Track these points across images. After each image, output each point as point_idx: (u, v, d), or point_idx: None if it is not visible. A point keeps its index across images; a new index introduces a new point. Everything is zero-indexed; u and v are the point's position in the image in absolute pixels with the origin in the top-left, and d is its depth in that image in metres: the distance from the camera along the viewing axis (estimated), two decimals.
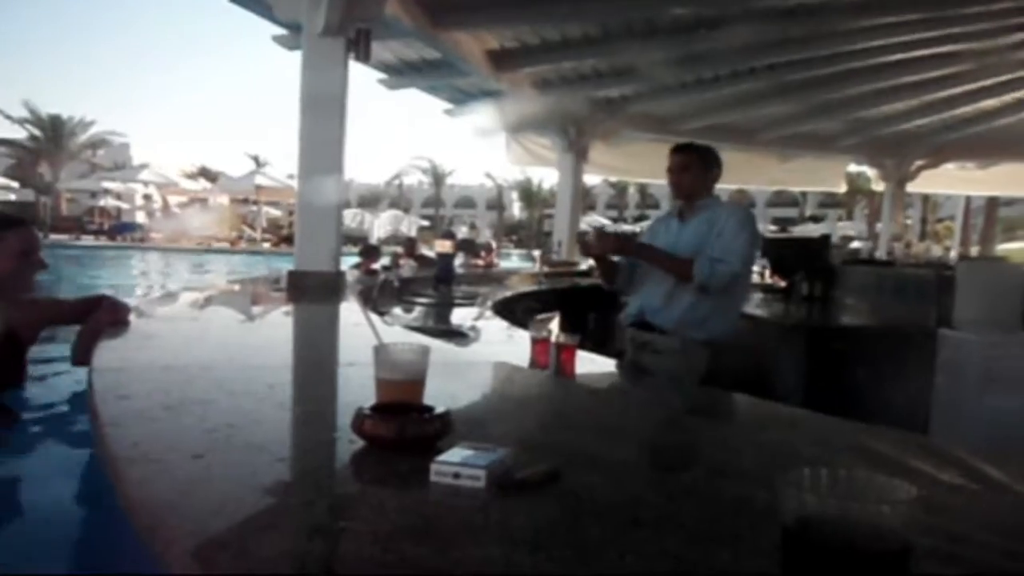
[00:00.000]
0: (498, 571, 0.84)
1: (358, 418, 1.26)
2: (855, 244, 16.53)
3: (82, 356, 2.16)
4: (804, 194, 42.80)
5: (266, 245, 26.48)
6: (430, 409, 1.31)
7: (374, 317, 2.35)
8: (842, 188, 15.67)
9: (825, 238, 6.60)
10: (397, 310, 4.38)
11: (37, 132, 40.69)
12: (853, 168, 16.02)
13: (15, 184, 32.69)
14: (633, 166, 11.50)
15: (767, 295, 5.88)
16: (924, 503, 0.72)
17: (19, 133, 40.75)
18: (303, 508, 1.03)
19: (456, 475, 1.08)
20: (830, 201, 41.46)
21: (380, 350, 1.41)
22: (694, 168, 3.12)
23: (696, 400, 2.30)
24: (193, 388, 1.75)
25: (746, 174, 12.79)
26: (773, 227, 28.33)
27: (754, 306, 5.21)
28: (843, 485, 0.71)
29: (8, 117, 39.84)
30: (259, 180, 28.29)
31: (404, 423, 1.25)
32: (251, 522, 0.97)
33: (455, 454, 1.13)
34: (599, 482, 1.18)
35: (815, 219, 38.10)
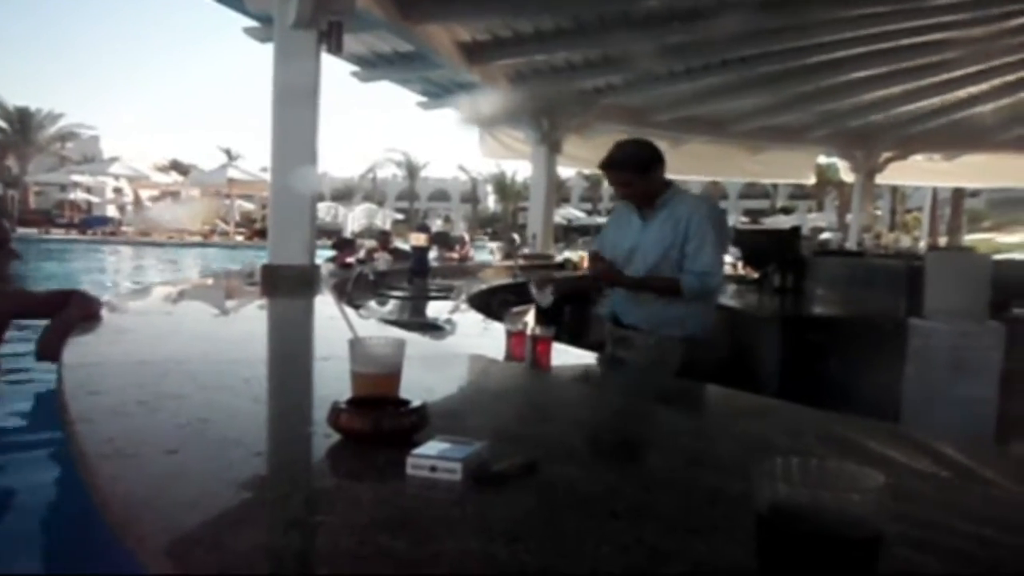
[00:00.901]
0: (476, 563, 0.84)
1: (334, 412, 1.25)
2: (825, 235, 16.71)
3: (49, 351, 2.13)
4: (775, 186, 43.23)
5: (239, 238, 26.24)
6: (406, 402, 1.31)
7: (349, 311, 2.34)
8: (812, 180, 15.84)
9: (795, 229, 6.67)
10: (372, 303, 4.36)
11: (4, 124, 39.98)
12: (823, 160, 16.20)
13: None
14: None
15: (740, 286, 5.93)
16: (894, 490, 0.73)
17: None
18: (279, 502, 1.02)
19: (433, 468, 1.08)
20: (800, 193, 41.88)
21: (355, 344, 1.41)
22: (634, 181, 2.96)
23: (671, 391, 2.32)
24: (167, 383, 1.74)
25: (718, 166, 12.92)
26: (744, 219, 28.58)
27: (728, 297, 5.26)
28: (815, 474, 0.72)
29: None
30: (231, 173, 28.02)
31: (380, 416, 1.25)
32: (226, 517, 0.96)
33: (431, 447, 1.13)
34: (575, 474, 1.18)
35: (786, 211, 38.49)
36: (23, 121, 40.19)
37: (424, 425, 1.26)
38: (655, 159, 2.98)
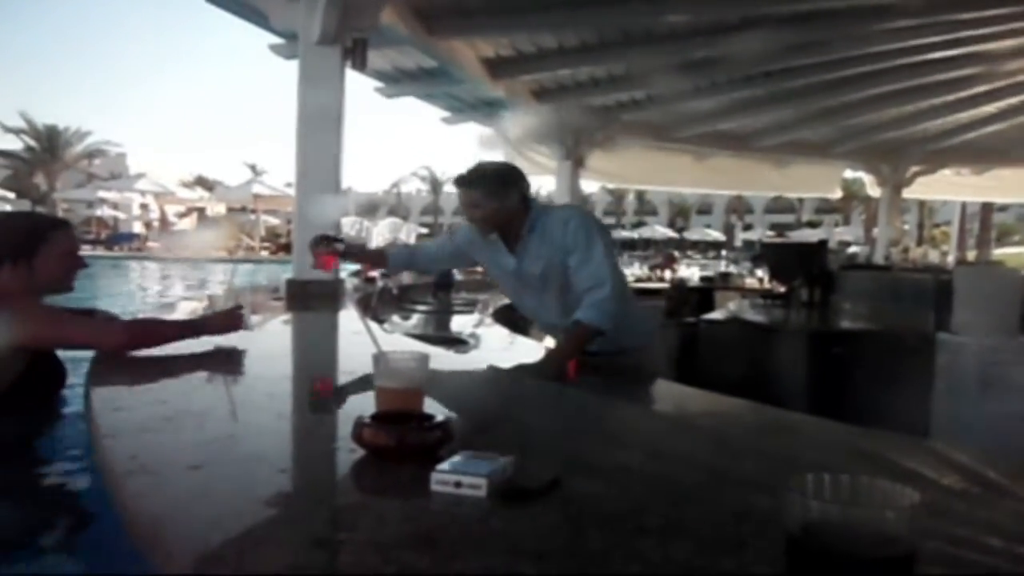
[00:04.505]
0: None
1: (358, 427, 1.25)
2: (852, 249, 16.54)
3: None
4: (801, 200, 42.92)
5: (264, 253, 26.47)
6: (430, 417, 1.30)
7: (373, 325, 2.34)
8: (837, 194, 15.70)
9: (823, 243, 6.60)
10: (396, 318, 4.38)
11: (33, 142, 40.76)
12: (849, 174, 16.06)
13: (11, 195, 32.62)
14: (631, 172, 11.54)
15: (766, 301, 5.88)
16: (927, 507, 0.71)
17: (15, 144, 40.88)
18: (303, 519, 1.02)
19: (457, 484, 1.08)
20: (826, 207, 41.57)
21: (379, 358, 1.41)
22: (482, 204, 2.59)
23: (698, 405, 2.30)
24: (192, 399, 1.75)
25: (742, 180, 12.86)
26: (770, 232, 28.41)
27: (753, 312, 5.21)
28: (847, 490, 0.70)
29: (4, 127, 39.96)
30: (256, 189, 28.26)
31: (404, 432, 1.24)
32: (250, 534, 0.96)
33: (456, 463, 1.13)
34: (600, 489, 1.17)
35: (812, 224, 38.20)
36: (51, 139, 40.94)
37: (449, 440, 1.25)
38: (510, 182, 2.62)
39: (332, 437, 1.37)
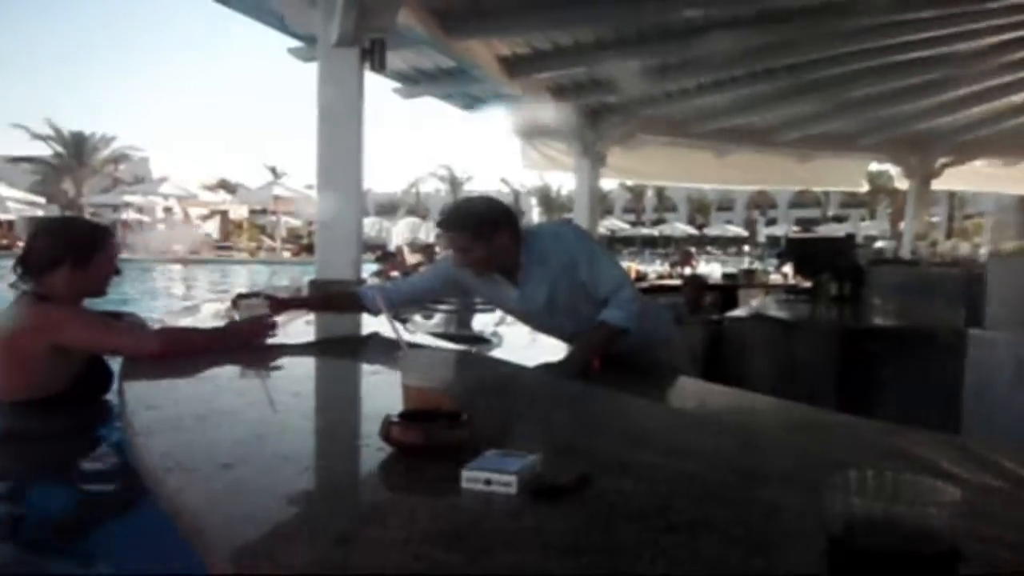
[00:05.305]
0: None
1: (386, 425, 1.25)
2: (879, 244, 16.33)
3: None
4: (826, 194, 42.50)
5: (286, 254, 26.69)
6: (457, 415, 1.30)
7: (398, 324, 2.34)
8: (864, 187, 15.46)
9: (850, 237, 6.51)
10: (418, 317, 4.38)
11: (60, 149, 41.38)
12: (875, 167, 15.82)
13: (41, 200, 33.14)
14: (651, 169, 11.46)
15: (791, 296, 5.82)
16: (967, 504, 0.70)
17: (43, 150, 41.52)
18: (333, 516, 1.02)
19: (487, 481, 1.08)
20: (852, 201, 41.10)
21: (406, 357, 1.41)
22: (473, 248, 2.47)
23: (723, 402, 2.28)
24: (220, 399, 1.76)
25: (765, 175, 12.72)
26: (795, 228, 28.15)
27: (778, 308, 5.16)
28: (889, 488, 0.69)
29: (32, 134, 40.60)
30: (277, 191, 28.53)
31: (432, 429, 1.24)
32: (282, 530, 0.97)
33: (485, 460, 1.13)
34: (629, 487, 1.16)
35: (838, 219, 37.82)
36: (78, 145, 41.56)
37: (476, 438, 1.25)
38: (501, 221, 2.49)
39: (359, 436, 1.37)
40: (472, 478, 1.09)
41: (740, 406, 2.20)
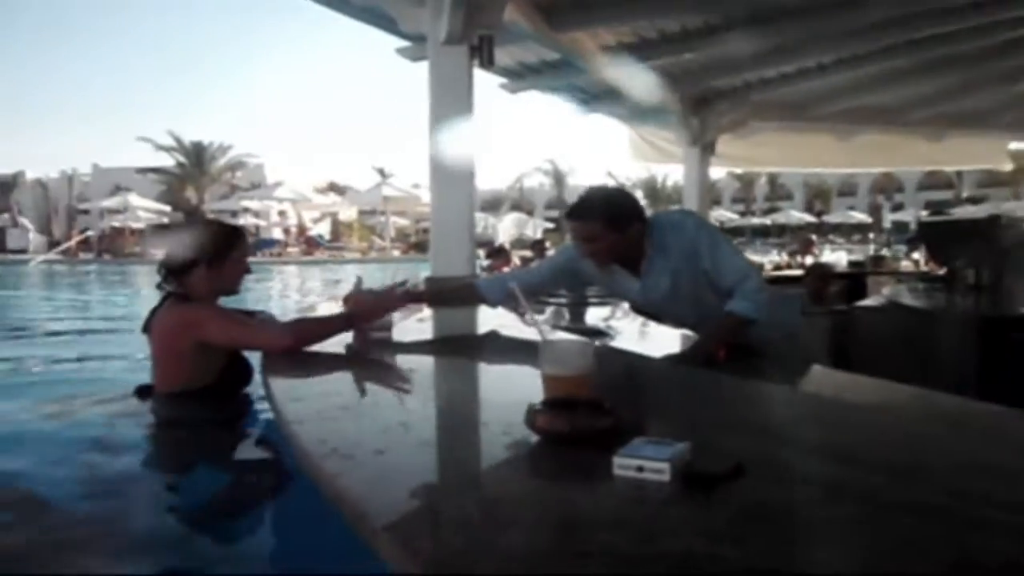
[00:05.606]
0: (703, 563, 0.82)
1: (531, 413, 1.26)
2: None
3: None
4: (959, 175, 39.97)
5: (396, 253, 27.41)
6: (599, 403, 1.30)
7: (529, 317, 2.35)
8: (1007, 166, 14.34)
9: (994, 219, 5.94)
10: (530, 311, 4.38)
11: (182, 158, 43.93)
12: (1015, 145, 14.61)
13: (167, 208, 35.24)
14: (765, 155, 11.06)
15: (924, 284, 5.48)
16: None
17: (167, 160, 44.21)
18: (491, 500, 1.04)
19: (639, 468, 1.07)
20: (991, 180, 38.48)
21: (546, 346, 1.42)
22: (604, 237, 2.44)
23: (869, 392, 2.18)
24: (358, 392, 1.82)
25: (892, 157, 11.95)
26: (924, 212, 26.46)
27: (913, 297, 4.88)
28: None
29: (156, 146, 43.28)
30: (385, 191, 29.24)
31: (578, 417, 1.24)
32: (444, 514, 0.99)
33: (635, 447, 1.12)
34: (783, 476, 1.13)
35: (973, 200, 35.46)
36: (198, 154, 44.03)
37: (620, 426, 1.24)
38: (632, 213, 2.48)
39: (501, 424, 1.38)
40: (624, 465, 1.08)
41: (891, 398, 2.08)
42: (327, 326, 2.49)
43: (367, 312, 2.54)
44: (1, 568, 1.44)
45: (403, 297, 2.85)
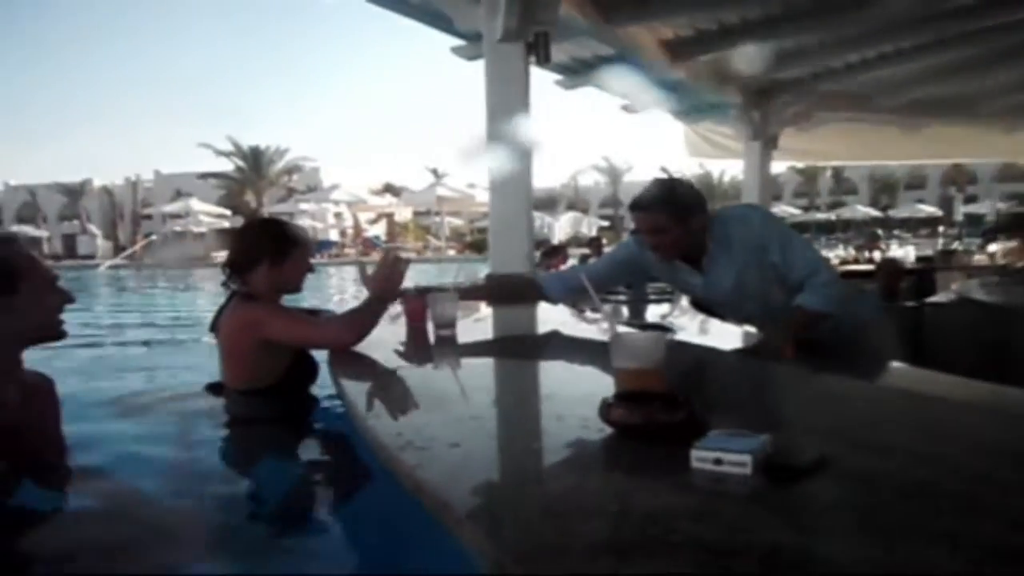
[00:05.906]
0: (792, 555, 0.80)
1: (605, 407, 1.26)
2: None
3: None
4: None
5: (451, 252, 27.62)
6: (673, 396, 1.28)
7: (599, 309, 2.34)
8: None
9: None
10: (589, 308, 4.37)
11: (241, 163, 45.00)
12: None
13: (227, 212, 36.13)
14: (829, 149, 10.76)
15: (1001, 278, 5.26)
16: None
17: (226, 165, 45.36)
18: (571, 492, 1.03)
19: (718, 460, 1.05)
20: None
21: (618, 339, 1.41)
22: (670, 228, 2.42)
23: (957, 391, 2.10)
24: (426, 388, 1.83)
25: (964, 149, 11.54)
26: (1002, 205, 25.29)
27: (990, 293, 4.68)
28: None
29: (216, 151, 44.42)
30: (440, 191, 29.47)
31: (654, 409, 1.23)
32: (522, 506, 0.99)
33: (713, 440, 1.10)
34: (868, 469, 1.10)
35: None
36: (256, 158, 45.04)
37: (695, 418, 1.23)
38: (697, 206, 2.45)
39: (575, 417, 1.38)
40: (702, 458, 1.06)
41: (973, 396, 2.01)
42: (370, 313, 2.46)
43: (383, 285, 2.49)
44: (103, 559, 1.48)
45: (464, 293, 2.87)
